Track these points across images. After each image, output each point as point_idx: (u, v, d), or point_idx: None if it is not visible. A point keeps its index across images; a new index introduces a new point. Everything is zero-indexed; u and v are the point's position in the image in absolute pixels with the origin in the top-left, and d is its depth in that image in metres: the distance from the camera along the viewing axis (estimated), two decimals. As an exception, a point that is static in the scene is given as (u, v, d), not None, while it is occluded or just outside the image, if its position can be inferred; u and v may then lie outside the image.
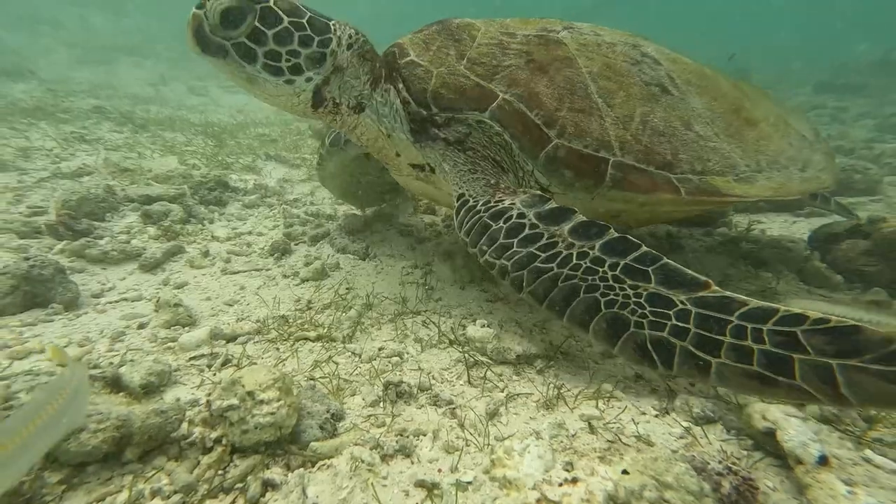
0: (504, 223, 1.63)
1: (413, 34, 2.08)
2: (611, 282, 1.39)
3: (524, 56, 1.92)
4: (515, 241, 1.56)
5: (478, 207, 1.73)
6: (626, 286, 1.37)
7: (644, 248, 1.45)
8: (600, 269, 1.42)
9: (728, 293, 1.30)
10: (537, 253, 1.52)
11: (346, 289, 2.15)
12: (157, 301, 1.88)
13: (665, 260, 1.41)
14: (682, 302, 1.32)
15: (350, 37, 1.81)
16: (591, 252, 1.47)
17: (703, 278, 1.35)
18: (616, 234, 1.51)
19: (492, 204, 1.73)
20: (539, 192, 1.79)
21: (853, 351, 1.10)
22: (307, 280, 2.25)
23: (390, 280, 2.26)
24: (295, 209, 3.17)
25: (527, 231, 1.58)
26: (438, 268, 2.35)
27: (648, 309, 1.33)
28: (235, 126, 5.08)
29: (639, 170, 1.77)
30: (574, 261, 1.46)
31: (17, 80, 5.99)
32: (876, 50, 15.07)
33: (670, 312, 1.31)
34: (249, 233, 2.78)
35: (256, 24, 1.63)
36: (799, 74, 14.37)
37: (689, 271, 1.38)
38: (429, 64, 1.92)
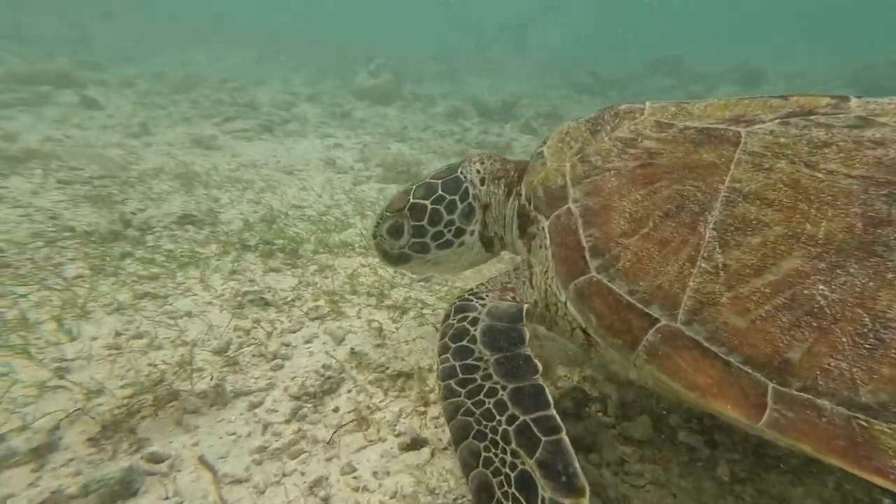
0: (457, 322, 1.73)
1: (573, 122, 2.03)
2: (498, 437, 1.40)
3: (644, 157, 1.62)
4: (453, 346, 1.65)
5: (464, 294, 1.89)
6: (507, 451, 1.37)
7: (551, 412, 1.42)
8: (497, 418, 1.43)
9: None
10: (458, 371, 1.58)
11: None
12: None
13: (562, 435, 1.36)
14: (545, 501, 1.27)
15: (478, 171, 2.13)
16: (499, 393, 1.49)
17: (582, 482, 1.26)
18: (535, 381, 1.50)
19: (468, 297, 1.85)
20: (521, 311, 1.74)
21: None
22: None
23: None
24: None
25: (464, 342, 1.66)
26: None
27: (512, 491, 1.30)
28: (334, 227, 4.17)
29: (702, 351, 1.28)
30: (480, 396, 1.50)
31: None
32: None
33: None
34: None
35: (413, 223, 2.06)
36: (814, 76, 15.43)
37: (576, 466, 1.29)
38: (549, 156, 1.87)
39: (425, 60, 19.91)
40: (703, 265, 1.34)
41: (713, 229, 1.37)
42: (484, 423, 1.44)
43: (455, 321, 1.74)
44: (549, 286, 1.68)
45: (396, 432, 1.95)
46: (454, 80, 17.21)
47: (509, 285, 1.92)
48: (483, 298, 1.84)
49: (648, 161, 1.60)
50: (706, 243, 1.36)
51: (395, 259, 2.17)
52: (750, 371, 1.21)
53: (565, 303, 1.59)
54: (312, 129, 8.51)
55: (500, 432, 1.41)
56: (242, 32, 23.43)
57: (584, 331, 1.61)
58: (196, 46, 19.96)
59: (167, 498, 1.69)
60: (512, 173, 2.13)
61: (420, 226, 2.06)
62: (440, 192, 2.06)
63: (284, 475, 1.79)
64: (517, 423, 1.41)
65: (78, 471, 1.72)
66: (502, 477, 1.34)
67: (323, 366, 2.29)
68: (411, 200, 2.07)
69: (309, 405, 2.09)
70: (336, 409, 2.08)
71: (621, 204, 1.54)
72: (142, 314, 2.57)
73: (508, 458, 1.36)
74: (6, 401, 1.92)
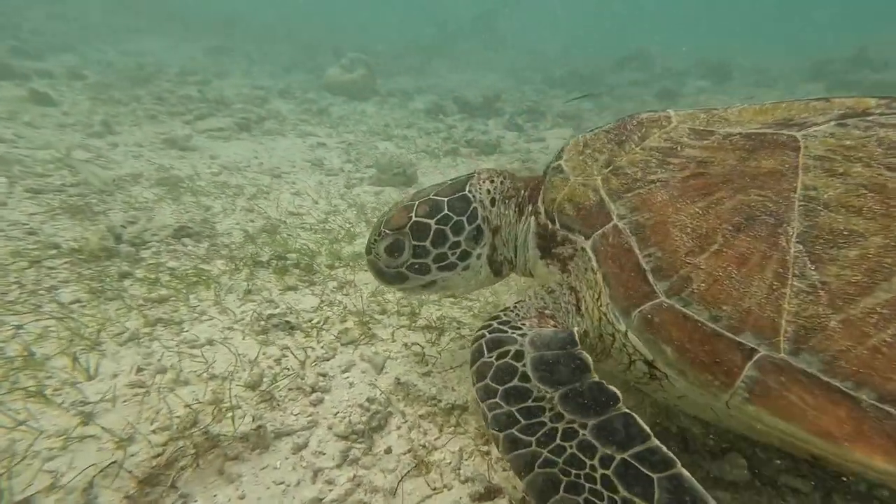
0: (496, 359, 1.54)
1: (586, 133, 1.98)
2: (599, 486, 1.22)
3: (692, 167, 1.54)
4: (500, 388, 1.46)
5: (491, 324, 1.69)
6: (618, 501, 1.18)
7: (653, 442, 1.25)
8: (588, 462, 1.26)
9: None
10: (517, 417, 1.39)
11: None
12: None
13: (678, 469, 1.19)
14: None
15: (489, 191, 2.03)
16: (580, 433, 1.31)
17: None
18: (620, 411, 1.33)
19: (499, 326, 1.66)
20: (572, 335, 1.55)
21: None
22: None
23: None
24: None
25: (515, 381, 1.47)
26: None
27: None
28: (342, 236, 3.93)
29: (822, 386, 1.14)
30: (557, 441, 1.31)
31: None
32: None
33: None
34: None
35: (414, 243, 1.94)
36: (777, 70, 16.16)
37: (711, 501, 1.12)
38: (570, 170, 1.82)
39: (393, 54, 19.69)
40: (796, 284, 1.23)
41: (798, 243, 1.27)
42: (573, 472, 1.26)
43: (493, 358, 1.55)
44: (605, 314, 1.54)
45: (462, 478, 1.83)
46: (427, 75, 17.12)
47: (546, 311, 1.76)
48: (519, 328, 1.65)
49: (698, 171, 1.52)
50: (793, 259, 1.26)
51: (390, 278, 2.05)
52: (892, 410, 1.06)
53: (625, 332, 1.46)
54: (291, 128, 8.24)
55: (598, 480, 1.23)
56: (193, 19, 22.47)
57: (648, 363, 1.47)
58: (141, 33, 19.02)
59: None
60: (522, 192, 2.06)
61: (422, 246, 1.94)
62: (446, 211, 1.94)
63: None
64: (615, 464, 1.24)
65: (119, 535, 1.57)
66: None
67: (367, 399, 2.17)
68: (414, 218, 1.95)
69: (359, 446, 1.97)
70: (388, 450, 1.95)
71: (679, 218, 1.44)
72: (159, 344, 2.39)
73: None
74: (30, 455, 1.74)
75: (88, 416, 1.93)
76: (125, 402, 2.03)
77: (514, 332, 1.62)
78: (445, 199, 1.96)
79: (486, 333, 1.65)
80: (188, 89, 10.00)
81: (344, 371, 2.37)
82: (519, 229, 2.03)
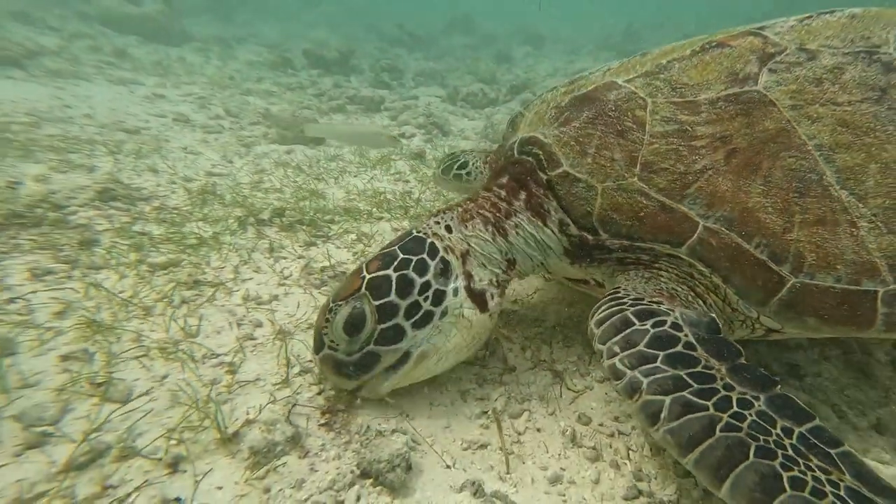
0: (652, 327, 1.63)
1: (559, 126, 2.07)
2: (791, 452, 1.31)
3: (721, 145, 1.77)
4: (662, 354, 1.54)
5: (623, 299, 1.79)
6: (812, 465, 1.29)
7: (818, 422, 1.42)
8: (772, 430, 1.37)
9: None
10: (688, 380, 1.46)
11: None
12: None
13: (847, 447, 1.36)
14: None
15: (438, 223, 2.06)
16: (755, 403, 1.43)
17: None
18: (781, 391, 1.49)
19: (644, 301, 1.76)
20: (716, 322, 1.71)
21: None
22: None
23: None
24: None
25: (679, 348, 1.57)
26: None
27: None
28: (304, 196, 3.98)
29: None
30: (735, 407, 1.41)
31: None
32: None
33: None
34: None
35: (377, 303, 1.77)
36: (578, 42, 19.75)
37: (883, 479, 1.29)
38: (588, 176, 1.92)
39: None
40: (863, 224, 1.59)
41: (841, 189, 1.62)
42: (761, 437, 1.34)
43: (648, 326, 1.63)
44: (736, 307, 1.78)
45: (599, 378, 2.18)
46: (236, 24, 16.72)
47: (664, 291, 1.86)
48: (661, 304, 1.77)
49: (729, 148, 1.75)
50: (847, 204, 1.60)
51: (354, 368, 1.79)
52: None
53: (757, 317, 1.75)
54: (95, 71, 7.46)
55: (788, 447, 1.34)
56: None
57: (770, 329, 1.80)
58: None
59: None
60: (488, 210, 2.14)
61: (388, 303, 1.77)
62: (402, 256, 1.87)
63: (520, 434, 1.93)
64: (796, 436, 1.38)
65: (337, 455, 1.69)
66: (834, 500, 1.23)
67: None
68: (368, 276, 1.81)
69: (487, 370, 2.24)
70: (513, 369, 2.24)
71: (754, 201, 1.67)
72: (223, 303, 2.37)
73: (822, 476, 1.27)
74: (204, 399, 1.81)
75: (230, 367, 1.98)
76: (252, 352, 2.07)
77: (662, 307, 1.72)
78: (396, 247, 1.93)
79: (628, 306, 1.72)
80: None
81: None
82: (520, 243, 2.12)
